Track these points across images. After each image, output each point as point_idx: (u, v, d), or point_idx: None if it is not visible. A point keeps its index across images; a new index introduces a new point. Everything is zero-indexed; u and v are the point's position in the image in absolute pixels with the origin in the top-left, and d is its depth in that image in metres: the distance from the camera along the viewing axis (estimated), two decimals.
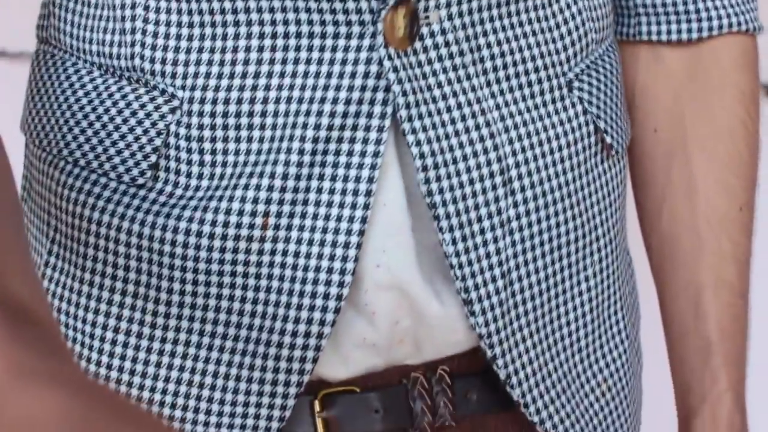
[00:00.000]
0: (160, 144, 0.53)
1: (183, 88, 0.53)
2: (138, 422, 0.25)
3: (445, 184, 0.53)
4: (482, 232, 0.54)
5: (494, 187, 0.54)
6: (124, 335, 0.54)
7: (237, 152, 0.52)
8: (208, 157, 0.52)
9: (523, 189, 0.55)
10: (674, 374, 0.64)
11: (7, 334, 0.25)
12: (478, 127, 0.53)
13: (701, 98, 0.63)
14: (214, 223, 0.52)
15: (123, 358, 0.55)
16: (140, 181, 0.53)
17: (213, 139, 0.52)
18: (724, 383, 0.62)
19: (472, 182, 0.53)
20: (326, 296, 0.52)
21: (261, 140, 0.52)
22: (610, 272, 0.60)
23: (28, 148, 0.60)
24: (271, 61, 0.51)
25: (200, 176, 0.53)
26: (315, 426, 0.54)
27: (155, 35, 0.53)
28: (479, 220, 0.54)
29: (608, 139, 0.58)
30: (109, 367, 0.55)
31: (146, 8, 0.53)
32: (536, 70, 0.55)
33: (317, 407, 0.54)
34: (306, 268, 0.52)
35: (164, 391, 0.54)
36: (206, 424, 0.54)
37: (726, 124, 0.63)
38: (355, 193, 0.52)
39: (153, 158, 0.53)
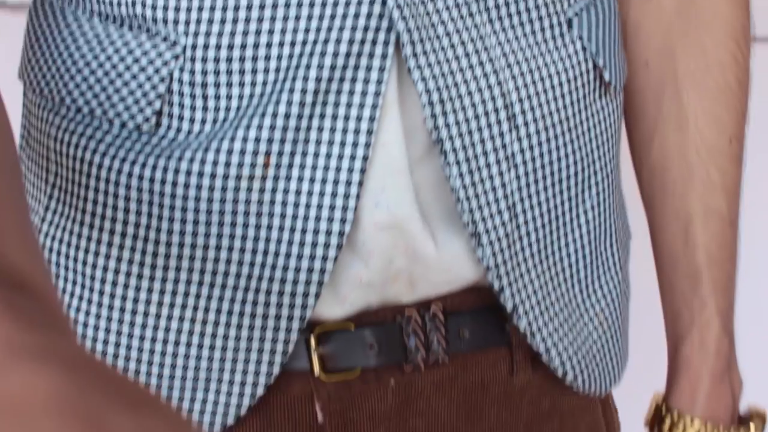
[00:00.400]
0: (163, 91, 0.54)
1: (186, 34, 0.53)
2: (135, 402, 0.23)
3: (452, 119, 0.53)
4: (488, 166, 0.55)
5: (499, 122, 0.55)
6: (125, 276, 0.55)
7: (240, 96, 0.53)
8: (211, 102, 0.53)
9: (526, 124, 0.56)
10: (664, 302, 0.66)
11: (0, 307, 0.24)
12: (481, 64, 0.54)
13: (692, 33, 0.64)
14: (215, 163, 0.52)
15: (124, 298, 0.55)
16: (145, 127, 0.54)
17: (216, 84, 0.53)
18: (712, 308, 0.64)
19: (477, 117, 0.54)
20: (329, 233, 0.52)
21: (264, 83, 0.52)
22: (606, 206, 0.62)
23: (26, 96, 0.60)
24: (274, 5, 0.52)
25: (203, 120, 0.53)
26: (311, 361, 0.55)
27: None
28: (485, 154, 0.54)
29: (606, 76, 0.59)
30: (110, 308, 0.56)
31: None
32: (536, 7, 0.56)
33: (313, 343, 0.55)
34: (308, 206, 0.53)
35: (167, 329, 0.55)
36: (210, 359, 0.55)
37: (716, 57, 0.64)
38: (357, 132, 0.52)
39: (157, 105, 0.54)
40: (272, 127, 0.52)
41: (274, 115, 0.52)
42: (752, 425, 0.65)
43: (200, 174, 0.52)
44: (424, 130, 0.54)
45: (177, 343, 0.55)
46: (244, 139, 0.52)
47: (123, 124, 0.54)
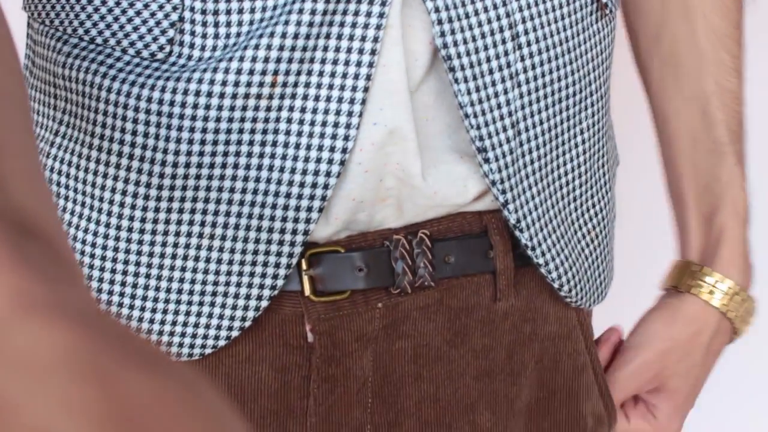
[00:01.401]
0: (176, 19, 0.54)
1: None
2: (148, 361, 0.22)
3: (459, 37, 0.55)
4: (494, 83, 0.56)
5: (504, 41, 0.56)
6: (132, 197, 0.56)
7: (250, 21, 0.53)
8: (222, 29, 0.54)
9: (529, 43, 0.57)
10: (687, 183, 0.69)
11: (7, 255, 0.22)
12: None
13: None
14: (224, 83, 0.53)
15: (131, 218, 0.56)
16: (159, 56, 0.55)
17: (228, 11, 0.54)
18: (741, 179, 0.68)
19: (483, 36, 0.56)
20: (332, 149, 0.54)
21: (273, 6, 0.53)
22: (600, 126, 0.64)
23: (31, 27, 0.61)
24: None
25: (214, 47, 0.54)
26: (302, 282, 0.56)
27: None
28: (491, 72, 0.56)
29: None
30: (118, 228, 0.57)
31: None
32: None
33: (304, 265, 0.56)
34: (313, 124, 0.54)
35: (176, 245, 0.56)
36: (215, 273, 0.56)
37: None
38: (361, 52, 0.53)
39: (170, 33, 0.54)
40: (280, 48, 0.53)
41: (282, 36, 0.53)
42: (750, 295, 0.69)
43: (209, 94, 0.53)
44: (426, 53, 0.56)
45: (185, 258, 0.56)
46: (253, 59, 0.53)
47: (137, 52, 0.55)
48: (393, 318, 0.58)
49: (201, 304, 0.57)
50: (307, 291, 0.56)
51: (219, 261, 0.56)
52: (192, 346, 0.57)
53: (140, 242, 0.56)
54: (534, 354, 0.62)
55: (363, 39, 0.53)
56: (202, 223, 0.55)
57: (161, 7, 0.54)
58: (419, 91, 0.56)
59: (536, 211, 0.60)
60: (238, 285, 0.56)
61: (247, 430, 0.24)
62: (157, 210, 0.55)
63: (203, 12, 0.54)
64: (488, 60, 0.56)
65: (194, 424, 0.22)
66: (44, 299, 0.22)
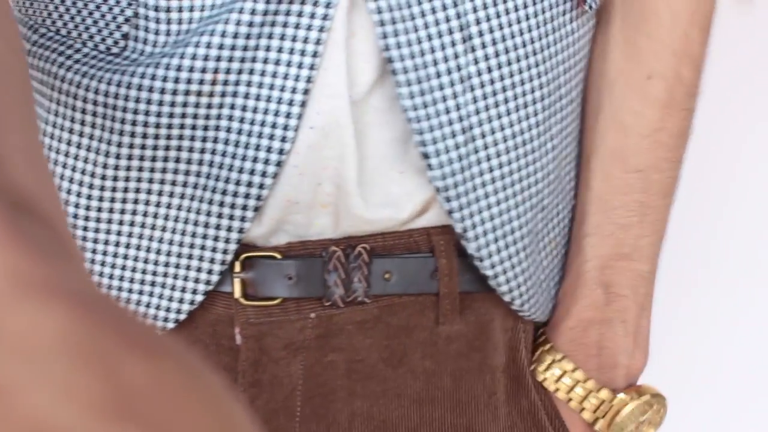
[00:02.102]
0: (131, 15, 0.55)
1: None
2: (148, 346, 0.22)
3: (404, 38, 0.53)
4: (441, 87, 0.54)
5: (453, 44, 0.54)
6: (78, 185, 0.57)
7: (199, 19, 0.54)
8: (174, 26, 0.54)
9: (484, 46, 0.55)
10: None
11: (4, 233, 0.21)
12: None
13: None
14: (165, 79, 0.54)
15: (77, 206, 0.57)
16: (114, 50, 0.56)
17: (179, 9, 0.54)
18: (589, 253, 0.62)
19: (430, 38, 0.54)
20: (269, 150, 0.54)
21: (219, 5, 0.53)
22: (570, 130, 0.61)
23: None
24: None
25: (165, 43, 0.55)
26: (232, 285, 0.56)
27: None
28: (438, 75, 0.54)
29: None
30: (75, 208, 0.58)
31: None
32: None
33: (237, 267, 0.56)
34: (252, 123, 0.54)
35: (119, 233, 0.57)
36: (156, 263, 0.57)
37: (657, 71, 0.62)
38: (302, 53, 0.53)
39: (125, 28, 0.55)
40: (220, 46, 0.53)
41: (222, 34, 0.53)
42: (624, 394, 0.61)
43: (151, 89, 0.54)
44: (374, 56, 0.55)
45: (127, 246, 0.57)
46: (193, 57, 0.53)
47: (95, 46, 0.56)
48: (326, 329, 0.57)
49: (141, 293, 0.57)
50: (237, 293, 0.56)
51: (158, 252, 0.57)
52: None
53: (85, 228, 0.57)
54: (485, 384, 0.60)
55: (305, 41, 0.53)
56: (145, 214, 0.56)
57: (118, 2, 0.55)
58: (372, 96, 0.55)
59: (491, 221, 0.57)
60: (175, 277, 0.57)
61: (247, 417, 0.23)
62: (101, 199, 0.56)
63: (156, 9, 0.54)
64: (435, 63, 0.54)
65: (196, 409, 0.21)
66: (42, 279, 0.21)
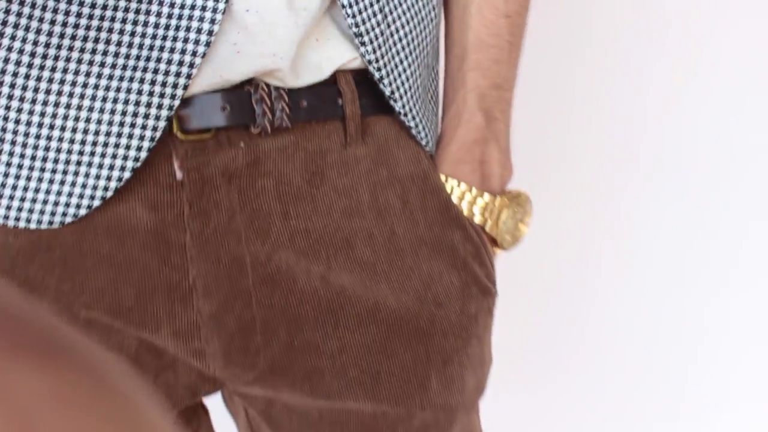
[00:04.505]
0: None
1: None
2: (42, 350, 0.19)
3: None
4: None
5: None
6: (29, 56, 0.58)
7: None
8: None
9: None
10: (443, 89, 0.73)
11: None
12: None
13: None
14: None
15: (3, 72, 0.59)
16: None
17: None
18: (471, 85, 0.70)
19: None
20: (199, 31, 0.58)
21: None
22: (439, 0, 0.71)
23: None
24: None
25: None
26: (170, 121, 0.60)
27: None
28: None
29: None
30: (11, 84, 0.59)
31: None
32: None
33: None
34: (183, 6, 0.58)
35: (59, 93, 0.58)
36: (99, 121, 0.59)
37: None
38: None
39: None
40: None
41: None
42: (501, 197, 0.71)
43: None
44: None
45: (68, 106, 0.59)
46: None
47: None
48: (255, 156, 0.62)
49: (79, 163, 0.60)
50: (175, 128, 0.60)
51: (102, 111, 0.59)
52: (68, 203, 0.60)
53: (10, 97, 0.59)
54: (398, 193, 0.67)
55: None
56: (87, 74, 0.58)
57: None
58: None
59: (408, 82, 0.66)
60: (119, 135, 0.59)
61: (160, 416, 0.22)
62: (43, 57, 0.58)
63: None
64: None
65: (100, 419, 0.20)
66: None
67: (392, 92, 0.65)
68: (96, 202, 0.59)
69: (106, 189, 0.59)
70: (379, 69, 0.64)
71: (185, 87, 0.58)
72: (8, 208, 0.60)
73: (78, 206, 0.59)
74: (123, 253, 0.61)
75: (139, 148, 0.58)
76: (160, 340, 0.63)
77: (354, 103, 0.65)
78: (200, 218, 0.61)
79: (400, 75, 0.66)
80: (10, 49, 0.58)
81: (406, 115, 0.66)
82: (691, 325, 1.47)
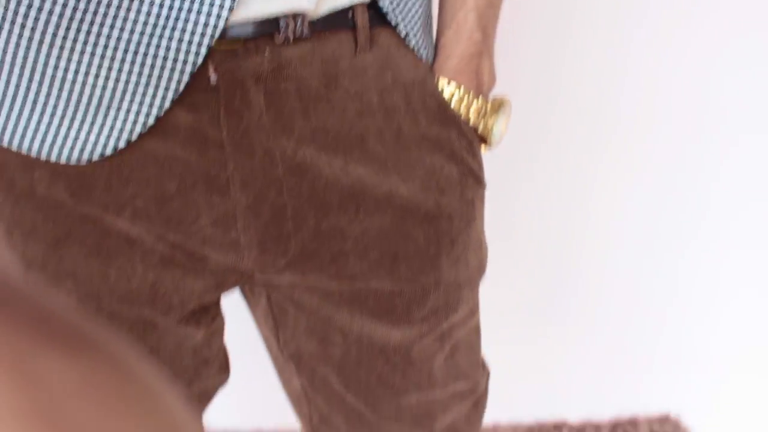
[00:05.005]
0: None
1: None
2: (68, 342, 0.20)
3: None
4: None
5: None
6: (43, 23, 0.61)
7: None
8: None
9: None
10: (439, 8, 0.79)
11: None
12: None
13: None
14: None
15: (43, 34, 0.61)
16: None
17: None
18: (471, 4, 0.77)
19: None
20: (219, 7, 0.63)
21: None
22: None
23: None
24: None
25: None
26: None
27: None
28: None
29: None
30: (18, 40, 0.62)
31: None
32: None
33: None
34: None
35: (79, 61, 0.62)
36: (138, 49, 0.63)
37: None
38: None
39: None
40: None
41: None
42: (489, 102, 0.78)
43: None
44: None
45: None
46: None
47: None
48: (278, 63, 0.67)
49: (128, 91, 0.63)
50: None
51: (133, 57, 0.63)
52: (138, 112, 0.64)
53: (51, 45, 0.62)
54: (402, 96, 0.73)
55: None
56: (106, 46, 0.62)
57: None
58: None
59: (408, 9, 0.73)
60: (167, 69, 0.63)
61: (183, 407, 0.21)
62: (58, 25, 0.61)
63: None
64: None
65: (125, 409, 0.20)
66: None
67: (396, 24, 0.72)
68: (151, 120, 0.64)
69: (161, 107, 0.64)
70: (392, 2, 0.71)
71: (223, 28, 0.63)
72: (65, 137, 0.64)
73: (134, 122, 0.64)
74: (165, 149, 0.65)
75: (182, 71, 0.63)
76: (196, 234, 0.68)
77: (363, 15, 0.71)
78: (234, 116, 0.66)
79: (400, 3, 0.73)
80: (40, 9, 0.61)
81: (406, 36, 0.73)
82: (685, 272, 1.48)
